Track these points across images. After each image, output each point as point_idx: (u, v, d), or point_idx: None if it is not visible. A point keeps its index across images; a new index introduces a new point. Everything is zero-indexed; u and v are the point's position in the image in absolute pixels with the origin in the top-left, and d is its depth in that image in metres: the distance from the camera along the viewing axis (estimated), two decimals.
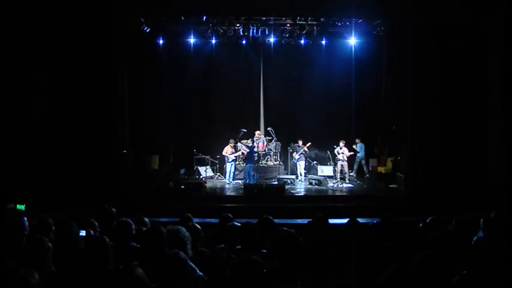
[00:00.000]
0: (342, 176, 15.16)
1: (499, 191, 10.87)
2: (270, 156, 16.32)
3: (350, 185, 14.79)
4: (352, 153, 15.25)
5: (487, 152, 12.21)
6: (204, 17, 14.40)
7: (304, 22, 14.94)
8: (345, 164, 15.08)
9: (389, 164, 15.82)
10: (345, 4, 12.70)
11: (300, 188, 14.45)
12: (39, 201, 9.78)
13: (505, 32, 11.24)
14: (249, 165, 14.51)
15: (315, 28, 15.27)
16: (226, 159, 15.18)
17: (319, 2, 12.82)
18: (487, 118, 12.29)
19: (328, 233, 4.89)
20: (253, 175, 14.57)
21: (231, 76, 16.84)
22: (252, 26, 15.09)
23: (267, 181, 14.96)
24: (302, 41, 15.83)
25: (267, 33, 15.56)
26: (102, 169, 12.10)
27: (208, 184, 14.64)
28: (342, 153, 15.07)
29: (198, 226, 5.32)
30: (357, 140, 16.02)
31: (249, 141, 15.69)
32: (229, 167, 15.14)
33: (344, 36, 16.03)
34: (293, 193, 13.54)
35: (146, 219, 5.84)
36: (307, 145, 15.41)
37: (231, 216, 6.19)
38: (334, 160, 15.29)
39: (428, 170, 12.46)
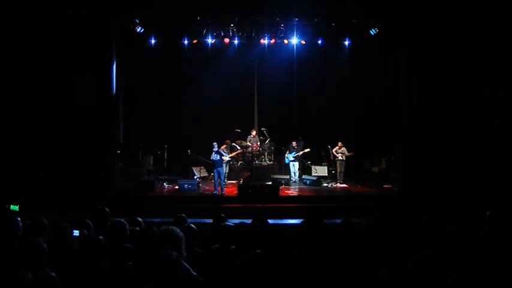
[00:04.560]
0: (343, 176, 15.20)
1: (496, 189, 10.87)
2: (264, 156, 16.29)
3: (344, 185, 14.81)
4: (352, 153, 15.18)
5: (483, 151, 12.18)
6: (198, 17, 14.38)
7: (297, 22, 14.95)
8: (343, 164, 15.09)
9: (383, 164, 15.85)
10: (339, 4, 12.74)
11: (294, 188, 14.44)
12: (33, 201, 9.73)
13: (505, 30, 11.21)
14: (221, 168, 13.72)
15: (309, 28, 15.27)
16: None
17: (313, 3, 12.81)
18: (485, 117, 12.21)
19: (323, 233, 4.89)
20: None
21: (225, 76, 16.78)
22: (246, 26, 15.08)
23: (261, 181, 14.89)
24: (295, 41, 15.85)
25: (260, 33, 15.55)
26: (96, 170, 12.07)
27: (203, 184, 14.62)
28: (342, 152, 15.07)
29: (193, 226, 5.32)
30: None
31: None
32: (223, 168, 15.04)
33: (339, 36, 16.02)
34: (287, 193, 13.52)
35: (140, 220, 5.83)
36: (306, 150, 15.34)
37: (225, 216, 6.20)
38: (330, 160, 15.29)
39: (422, 170, 12.48)
